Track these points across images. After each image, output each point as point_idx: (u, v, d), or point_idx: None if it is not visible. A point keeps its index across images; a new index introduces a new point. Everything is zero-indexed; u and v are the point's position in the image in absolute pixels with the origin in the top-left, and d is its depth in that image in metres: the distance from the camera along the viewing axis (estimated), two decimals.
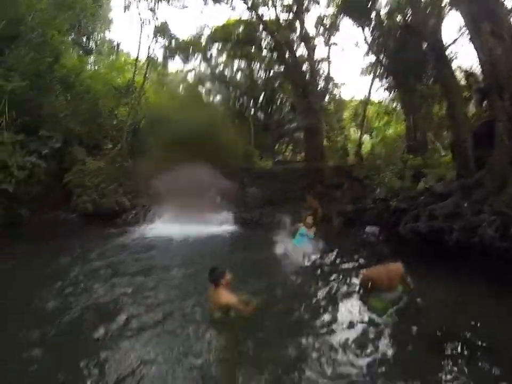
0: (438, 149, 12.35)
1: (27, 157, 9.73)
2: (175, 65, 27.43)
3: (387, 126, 16.63)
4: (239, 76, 24.78)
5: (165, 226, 10.71)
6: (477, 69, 10.31)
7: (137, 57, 16.74)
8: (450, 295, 5.10)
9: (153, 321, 4.37)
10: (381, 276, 4.71)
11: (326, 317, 4.55)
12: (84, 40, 16.76)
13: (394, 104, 17.68)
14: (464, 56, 29.78)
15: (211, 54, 23.36)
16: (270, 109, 24.80)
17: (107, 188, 12.33)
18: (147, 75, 16.02)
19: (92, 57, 17.51)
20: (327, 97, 22.27)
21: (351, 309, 4.76)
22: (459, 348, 3.69)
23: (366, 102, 18.74)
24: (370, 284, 4.80)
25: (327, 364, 3.43)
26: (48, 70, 11.57)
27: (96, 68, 17.80)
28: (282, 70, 20.34)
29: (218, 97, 25.15)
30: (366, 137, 21.68)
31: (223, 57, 23.85)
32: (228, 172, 13.87)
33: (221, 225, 12.18)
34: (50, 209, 11.15)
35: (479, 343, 3.72)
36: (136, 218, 11.90)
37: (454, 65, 10.10)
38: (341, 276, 6.19)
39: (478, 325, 4.10)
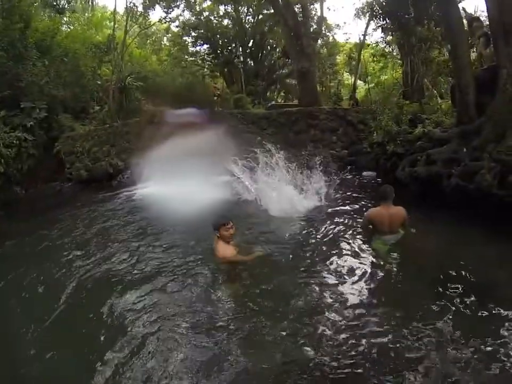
0: (435, 95, 11.91)
1: (12, 133, 9.39)
2: (156, 15, 25.86)
3: (383, 71, 15.92)
4: (226, 22, 23.45)
5: (161, 183, 10.54)
6: (482, 14, 9.69)
7: (115, 9, 15.73)
8: (447, 238, 5.17)
9: (154, 278, 4.41)
10: (383, 218, 4.80)
11: (330, 261, 4.60)
12: None
13: (391, 48, 16.80)
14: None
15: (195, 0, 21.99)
16: (260, 55, 23.80)
17: (99, 151, 12.12)
18: (127, 28, 15.05)
19: (65, 17, 16.28)
20: (320, 40, 21.31)
21: (354, 252, 4.80)
22: (456, 289, 3.77)
23: (361, 45, 17.86)
24: (371, 225, 4.91)
25: (333, 311, 3.51)
26: (20, 37, 10.89)
27: (72, 27, 16.67)
28: (272, 12, 19.19)
29: (205, 46, 24.01)
30: (360, 83, 21.00)
31: (208, 2, 22.48)
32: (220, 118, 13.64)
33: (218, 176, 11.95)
34: (44, 182, 11.04)
35: (475, 285, 3.82)
36: (131, 179, 11.72)
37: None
38: (340, 220, 6.21)
39: (472, 267, 4.17)
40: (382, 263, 4.42)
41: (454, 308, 3.41)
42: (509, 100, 5.64)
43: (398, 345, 2.97)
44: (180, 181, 9.67)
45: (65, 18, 16.08)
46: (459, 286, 3.82)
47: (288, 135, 13.99)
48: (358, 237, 5.24)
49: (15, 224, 7.81)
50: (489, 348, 2.85)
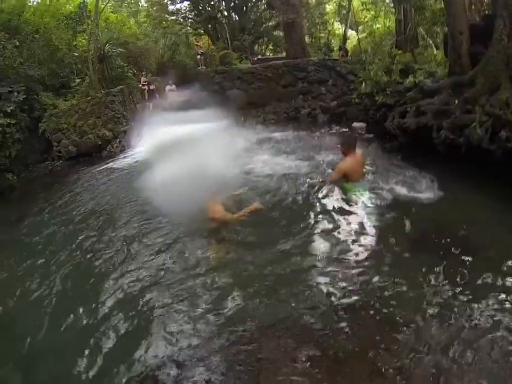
0: (430, 45, 11.37)
1: None
2: None
3: (375, 20, 15.12)
4: None
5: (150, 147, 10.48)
6: None
7: None
8: (433, 191, 5.15)
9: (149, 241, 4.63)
10: (356, 166, 4.93)
11: (314, 217, 4.65)
12: None
13: None
14: None
15: None
16: (244, 8, 22.65)
17: (85, 125, 11.90)
18: None
19: None
20: None
21: (337, 206, 4.83)
22: (438, 244, 3.84)
23: None
24: (345, 177, 4.96)
25: (319, 272, 3.58)
26: None
27: (39, 0, 15.67)
28: None
29: (185, 3, 22.82)
30: (352, 33, 20.06)
31: None
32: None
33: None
34: (34, 164, 10.92)
35: (457, 240, 3.86)
36: (121, 147, 11.77)
37: None
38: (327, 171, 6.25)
39: (456, 223, 4.23)
40: (369, 218, 4.47)
41: (440, 267, 3.44)
42: (504, 51, 5.35)
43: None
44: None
45: None
46: (441, 240, 3.88)
47: (276, 89, 13.76)
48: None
49: (12, 210, 7.76)
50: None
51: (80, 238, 5.27)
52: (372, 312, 2.97)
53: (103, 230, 5.41)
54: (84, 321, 3.36)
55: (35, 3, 15.28)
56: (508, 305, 2.86)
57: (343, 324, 2.88)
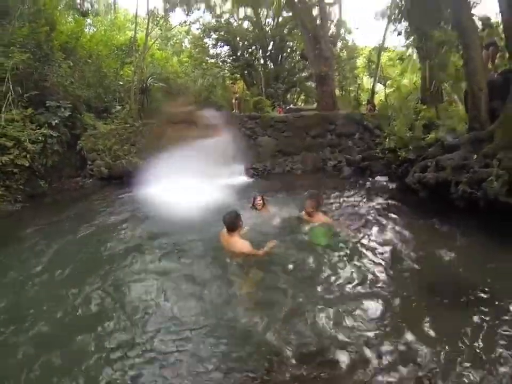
0: (455, 101, 11.74)
1: (38, 130, 9.89)
2: (177, 17, 26.32)
3: (402, 75, 15.77)
4: (245, 24, 23.75)
5: (176, 183, 10.85)
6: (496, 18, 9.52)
7: (136, 12, 16.21)
8: (451, 245, 5.21)
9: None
10: None
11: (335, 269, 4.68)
12: (79, 1, 16.08)
13: (410, 51, 16.64)
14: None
15: (215, 2, 22.34)
16: (279, 58, 23.98)
17: (120, 150, 12.55)
18: (149, 30, 15.51)
19: (89, 19, 16.89)
20: (339, 44, 21.34)
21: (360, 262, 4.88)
22: (460, 298, 3.82)
23: (380, 48, 17.79)
24: None
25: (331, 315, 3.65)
26: (46, 39, 11.39)
27: (96, 29, 17.27)
28: (291, 15, 19.37)
29: (225, 48, 24.35)
30: (380, 87, 20.90)
31: (228, 5, 22.82)
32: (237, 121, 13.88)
33: (231, 177, 12.20)
34: (67, 177, 11.53)
35: (480, 294, 3.85)
36: (149, 177, 12.02)
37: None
38: (353, 226, 6.30)
39: (475, 277, 4.22)
40: (386, 265, 4.57)
41: (454, 317, 3.50)
42: None
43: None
44: (188, 180, 10.00)
45: (88, 21, 16.65)
46: (457, 293, 3.90)
47: (305, 139, 14.11)
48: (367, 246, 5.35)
49: (39, 215, 8.32)
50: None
51: (98, 247, 5.64)
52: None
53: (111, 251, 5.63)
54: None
55: (91, 31, 16.74)
56: None
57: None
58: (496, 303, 3.67)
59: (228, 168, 12.62)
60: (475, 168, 5.86)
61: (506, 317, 3.42)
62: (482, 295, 3.82)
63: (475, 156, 6.12)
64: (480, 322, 3.38)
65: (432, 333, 3.26)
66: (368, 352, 3.05)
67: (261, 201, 6.34)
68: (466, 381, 2.69)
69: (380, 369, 2.87)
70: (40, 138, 9.80)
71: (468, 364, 2.83)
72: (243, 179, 12.33)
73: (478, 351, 2.99)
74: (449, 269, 4.54)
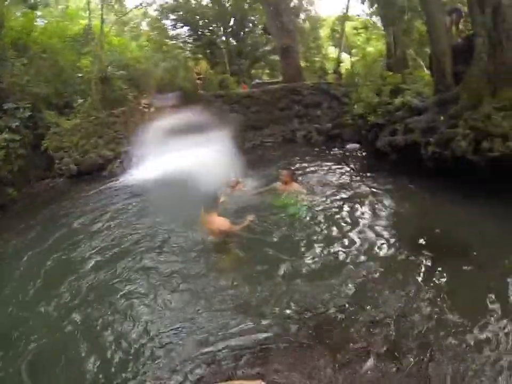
0: (420, 66, 11.88)
1: None
2: (132, 0, 25.12)
3: (367, 43, 15.74)
4: (205, 1, 23.01)
5: (152, 168, 10.69)
6: None
7: None
8: (422, 203, 5.50)
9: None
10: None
11: (319, 231, 4.95)
12: None
13: (374, 19, 16.53)
14: None
15: None
16: (242, 34, 23.50)
17: (87, 144, 12.14)
18: (103, 17, 14.77)
19: (39, 12, 15.85)
20: (301, 15, 21.03)
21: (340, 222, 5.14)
22: (435, 251, 4.09)
23: (344, 18, 17.64)
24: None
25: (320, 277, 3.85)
26: None
27: (47, 21, 16.28)
28: None
29: (185, 28, 23.61)
30: (345, 56, 20.83)
31: None
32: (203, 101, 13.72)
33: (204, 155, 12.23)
34: (36, 180, 11.10)
35: (454, 247, 4.16)
36: (122, 167, 11.88)
37: None
38: (328, 192, 6.55)
39: (444, 230, 4.55)
40: (363, 227, 4.75)
41: (432, 269, 3.76)
42: (485, 68, 5.76)
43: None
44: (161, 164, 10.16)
45: (38, 13, 15.66)
46: (432, 248, 4.14)
47: (273, 112, 14.11)
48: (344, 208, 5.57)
49: (11, 223, 8.00)
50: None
51: (75, 251, 5.57)
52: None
53: (97, 246, 5.63)
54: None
55: (42, 23, 15.80)
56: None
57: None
58: (467, 252, 4.01)
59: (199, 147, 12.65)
60: (442, 129, 6.04)
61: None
62: (455, 247, 4.15)
63: (442, 118, 6.29)
64: (452, 271, 3.67)
65: (411, 284, 3.50)
66: (362, 308, 3.27)
67: (236, 180, 6.64)
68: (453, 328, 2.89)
69: (373, 322, 3.05)
70: (2, 144, 9.35)
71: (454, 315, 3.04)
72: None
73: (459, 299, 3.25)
74: (423, 225, 4.88)
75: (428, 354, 2.62)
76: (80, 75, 14.16)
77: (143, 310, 3.72)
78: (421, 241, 4.38)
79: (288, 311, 3.34)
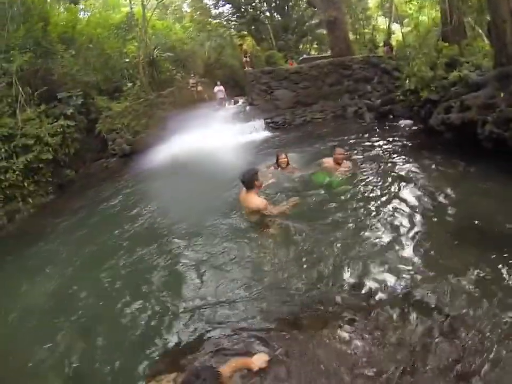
0: (480, 36, 10.74)
1: (55, 123, 10.16)
2: None
3: (420, 12, 14.43)
4: None
5: (196, 145, 10.90)
6: None
7: None
8: (477, 187, 5.09)
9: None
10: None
11: (362, 215, 4.72)
12: None
13: None
14: None
15: None
16: (286, 8, 22.75)
17: (138, 125, 12.78)
18: (145, 2, 15.00)
19: (81, 5, 16.46)
20: None
21: (389, 206, 4.88)
22: (488, 242, 3.72)
23: None
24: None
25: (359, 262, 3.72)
26: (43, 35, 11.40)
27: (90, 13, 16.87)
28: None
29: (227, 6, 23.32)
30: (396, 26, 19.41)
31: None
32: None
33: (253, 132, 12.57)
34: (91, 161, 11.85)
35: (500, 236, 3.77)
36: (170, 146, 11.96)
37: None
38: (377, 170, 6.30)
39: (501, 218, 4.11)
40: (409, 213, 4.51)
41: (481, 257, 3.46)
42: None
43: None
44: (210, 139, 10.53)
45: (81, 6, 16.25)
46: (483, 236, 3.83)
47: (322, 88, 13.76)
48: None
49: (69, 202, 8.85)
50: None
51: (125, 225, 6.00)
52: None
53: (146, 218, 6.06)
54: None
55: (85, 16, 16.47)
56: None
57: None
58: None
59: (248, 124, 12.94)
60: (502, 107, 5.49)
61: None
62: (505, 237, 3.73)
63: (502, 94, 5.71)
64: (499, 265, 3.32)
65: (459, 277, 3.25)
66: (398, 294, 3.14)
67: (285, 159, 6.15)
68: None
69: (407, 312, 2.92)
70: (58, 130, 10.07)
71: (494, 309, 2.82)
72: (264, 134, 12.44)
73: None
74: (477, 212, 4.40)
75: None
76: (127, 60, 14.62)
77: (179, 286, 3.90)
78: (467, 227, 4.04)
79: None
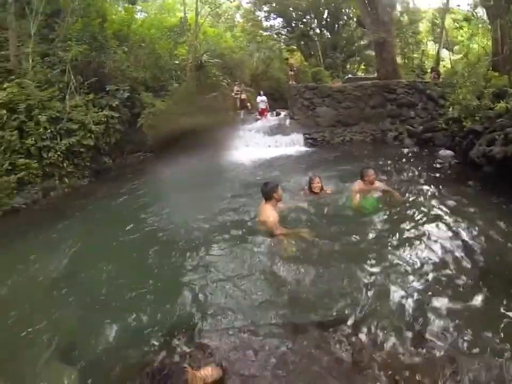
0: None
1: (101, 112, 10.66)
2: None
3: (471, 39, 13.97)
4: None
5: (239, 151, 11.04)
6: None
7: None
8: None
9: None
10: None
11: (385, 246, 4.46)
12: None
13: (478, 10, 14.63)
14: None
15: None
16: (336, 27, 22.89)
17: None
18: (199, 9, 15.58)
19: (138, 6, 17.40)
20: (398, 7, 19.74)
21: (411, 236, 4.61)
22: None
23: (445, 9, 16.02)
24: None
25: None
26: (100, 30, 12.06)
27: (146, 14, 17.74)
28: None
29: (279, 20, 23.75)
30: (446, 53, 18.93)
31: None
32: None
33: (290, 146, 12.67)
34: (129, 153, 12.27)
35: None
36: (208, 148, 12.10)
37: None
38: (410, 199, 6.05)
39: None
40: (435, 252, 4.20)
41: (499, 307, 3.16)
42: None
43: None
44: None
45: (138, 7, 17.13)
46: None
47: (364, 109, 13.69)
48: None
49: (102, 188, 9.29)
50: None
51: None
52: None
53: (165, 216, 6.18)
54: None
55: (142, 16, 17.32)
56: None
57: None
58: None
59: (287, 137, 13.02)
60: None
61: None
62: None
63: None
64: None
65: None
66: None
67: (319, 184, 5.57)
68: None
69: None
70: (102, 119, 10.55)
71: None
72: (301, 149, 12.50)
73: None
74: (509, 256, 4.05)
75: None
76: (176, 62, 15.15)
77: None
78: (494, 274, 3.66)
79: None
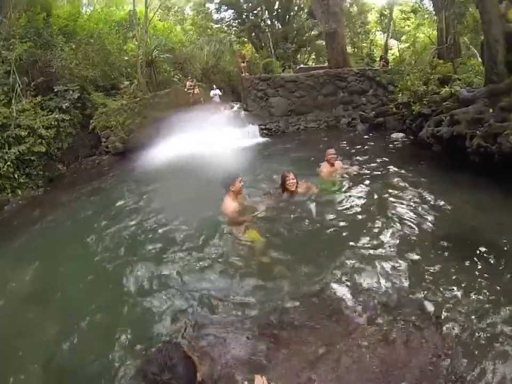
0: (474, 55, 11.03)
1: (50, 115, 10.15)
2: None
3: (417, 29, 14.62)
4: None
5: (189, 147, 10.88)
6: None
7: None
8: (464, 199, 5.16)
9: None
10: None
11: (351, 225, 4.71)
12: None
13: (425, 2, 15.33)
14: None
15: None
16: (287, 18, 23.03)
17: (132, 124, 12.68)
18: (148, 2, 15.08)
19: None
20: None
21: (371, 213, 4.96)
22: (471, 250, 3.82)
23: (393, 1, 16.69)
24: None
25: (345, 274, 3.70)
26: (45, 25, 11.46)
27: (92, 8, 16.92)
28: None
29: (229, 12, 23.53)
30: (394, 43, 19.74)
31: None
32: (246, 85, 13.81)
33: (247, 138, 12.53)
34: (83, 156, 11.78)
35: (494, 247, 3.84)
36: (163, 146, 11.79)
37: None
38: (367, 180, 6.32)
39: (487, 231, 4.19)
40: (398, 222, 4.59)
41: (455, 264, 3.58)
42: None
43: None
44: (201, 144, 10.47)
45: (84, 1, 16.36)
46: (469, 248, 3.88)
47: (317, 98, 13.94)
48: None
49: (59, 196, 8.79)
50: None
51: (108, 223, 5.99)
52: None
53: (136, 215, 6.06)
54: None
55: (88, 10, 16.50)
56: None
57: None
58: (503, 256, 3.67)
59: (243, 129, 12.94)
60: (491, 122, 5.65)
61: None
62: (491, 248, 3.82)
63: (491, 110, 5.89)
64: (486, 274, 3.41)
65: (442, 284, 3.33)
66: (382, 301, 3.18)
67: (294, 180, 5.12)
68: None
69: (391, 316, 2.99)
70: (53, 123, 10.04)
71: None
72: (257, 140, 12.50)
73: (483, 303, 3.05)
74: (462, 222, 4.52)
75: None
76: (126, 58, 14.66)
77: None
78: (451, 238, 4.10)
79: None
